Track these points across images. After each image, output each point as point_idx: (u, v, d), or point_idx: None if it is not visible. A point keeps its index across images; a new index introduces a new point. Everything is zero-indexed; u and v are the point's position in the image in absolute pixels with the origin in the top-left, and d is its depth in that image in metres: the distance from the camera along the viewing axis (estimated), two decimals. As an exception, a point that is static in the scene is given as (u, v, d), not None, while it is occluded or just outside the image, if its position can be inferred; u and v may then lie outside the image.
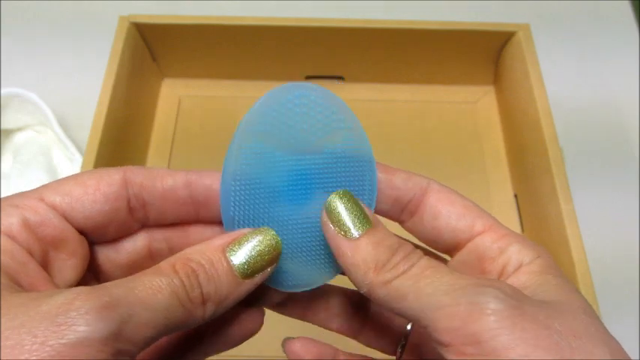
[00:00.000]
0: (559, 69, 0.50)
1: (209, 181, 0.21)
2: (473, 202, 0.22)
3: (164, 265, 0.19)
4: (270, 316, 0.24)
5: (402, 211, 0.22)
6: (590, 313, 0.18)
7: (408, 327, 0.25)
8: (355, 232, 0.20)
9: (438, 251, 0.23)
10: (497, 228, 0.21)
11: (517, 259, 0.20)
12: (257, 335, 0.23)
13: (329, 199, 0.20)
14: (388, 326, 0.26)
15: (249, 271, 0.20)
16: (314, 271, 0.22)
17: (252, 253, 0.20)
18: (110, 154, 0.39)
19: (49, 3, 0.55)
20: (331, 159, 0.21)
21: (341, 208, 0.20)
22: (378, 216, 0.21)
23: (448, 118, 0.49)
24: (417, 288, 0.18)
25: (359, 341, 0.26)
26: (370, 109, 0.49)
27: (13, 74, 0.50)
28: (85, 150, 0.38)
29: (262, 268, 0.20)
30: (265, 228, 0.21)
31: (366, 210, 0.20)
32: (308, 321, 0.25)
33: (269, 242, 0.20)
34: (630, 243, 0.44)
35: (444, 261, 0.23)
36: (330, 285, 0.24)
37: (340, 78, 0.49)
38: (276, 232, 0.21)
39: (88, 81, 0.43)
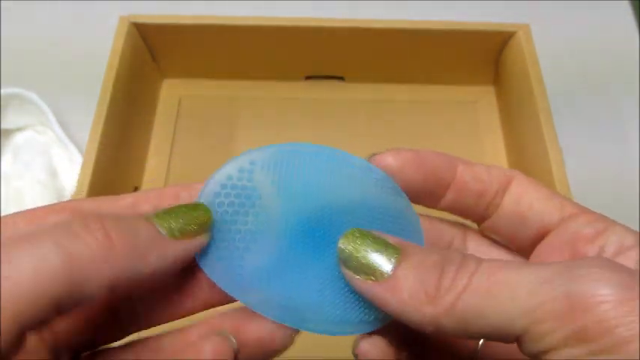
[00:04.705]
0: (559, 69, 0.50)
1: None
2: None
3: None
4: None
5: (487, 207, 0.20)
6: None
7: (480, 342, 0.21)
8: (387, 269, 0.16)
9: (519, 251, 0.20)
10: (590, 211, 0.18)
11: (617, 241, 0.17)
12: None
13: (338, 249, 0.17)
14: (455, 345, 0.21)
15: (173, 226, 0.17)
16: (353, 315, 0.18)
17: (178, 212, 0.17)
18: (110, 154, 0.39)
19: (48, 3, 0.55)
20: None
21: (356, 252, 0.17)
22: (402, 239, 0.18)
23: (448, 118, 0.49)
24: (493, 298, 0.15)
25: None
26: (370, 109, 0.49)
27: (13, 74, 0.50)
28: (85, 150, 0.38)
29: (190, 230, 0.17)
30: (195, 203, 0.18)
31: (384, 236, 0.17)
32: None
33: (196, 211, 0.18)
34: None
35: None
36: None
37: (340, 78, 0.49)
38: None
39: (87, 81, 0.43)
